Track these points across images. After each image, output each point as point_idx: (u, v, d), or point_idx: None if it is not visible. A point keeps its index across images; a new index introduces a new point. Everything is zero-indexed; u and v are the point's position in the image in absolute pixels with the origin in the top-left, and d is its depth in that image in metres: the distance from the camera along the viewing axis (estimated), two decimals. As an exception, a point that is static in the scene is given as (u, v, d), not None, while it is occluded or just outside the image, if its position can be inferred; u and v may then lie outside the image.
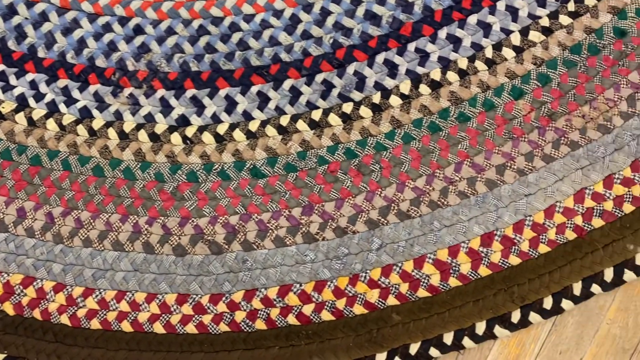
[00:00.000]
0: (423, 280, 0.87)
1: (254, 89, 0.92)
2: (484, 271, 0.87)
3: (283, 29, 0.93)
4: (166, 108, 0.93)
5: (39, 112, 0.96)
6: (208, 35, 0.94)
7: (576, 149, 0.89)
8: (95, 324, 0.88)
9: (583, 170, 0.89)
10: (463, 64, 0.91)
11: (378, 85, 0.91)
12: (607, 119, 0.90)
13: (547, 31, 0.92)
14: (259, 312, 0.87)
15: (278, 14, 0.93)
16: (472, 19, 0.92)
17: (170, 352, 0.87)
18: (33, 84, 0.97)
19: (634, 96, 0.90)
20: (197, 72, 0.93)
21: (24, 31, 0.99)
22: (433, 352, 0.85)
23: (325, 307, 0.86)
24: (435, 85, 0.91)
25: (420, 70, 0.91)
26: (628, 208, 0.88)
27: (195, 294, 0.88)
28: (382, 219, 0.88)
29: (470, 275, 0.87)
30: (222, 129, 0.92)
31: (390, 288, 0.87)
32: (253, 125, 0.91)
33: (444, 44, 0.92)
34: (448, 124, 0.90)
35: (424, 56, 0.92)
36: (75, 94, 0.95)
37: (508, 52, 0.91)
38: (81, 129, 0.94)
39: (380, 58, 0.92)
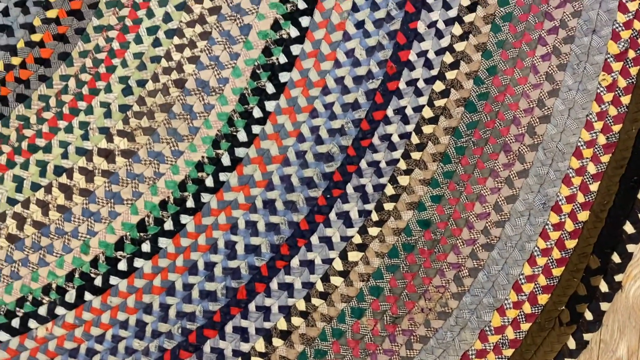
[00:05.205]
0: None
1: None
2: None
3: (134, 336, 0.98)
4: None
5: None
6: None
7: (427, 342, 0.96)
8: None
9: (439, 358, 0.96)
10: (302, 305, 0.98)
11: (236, 353, 0.97)
12: (443, 305, 0.97)
13: (362, 247, 0.98)
14: None
15: (124, 324, 0.99)
16: (295, 262, 0.99)
17: None
18: None
19: (459, 275, 0.97)
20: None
21: None
22: None
23: None
24: (285, 335, 0.97)
25: (267, 325, 0.98)
26: (491, 377, 0.95)
27: None
28: None
29: None
30: None
31: None
32: None
33: (279, 294, 0.98)
34: (309, 365, 0.97)
35: (266, 311, 0.98)
36: None
37: (336, 280, 0.98)
38: None
39: (229, 328, 0.98)
